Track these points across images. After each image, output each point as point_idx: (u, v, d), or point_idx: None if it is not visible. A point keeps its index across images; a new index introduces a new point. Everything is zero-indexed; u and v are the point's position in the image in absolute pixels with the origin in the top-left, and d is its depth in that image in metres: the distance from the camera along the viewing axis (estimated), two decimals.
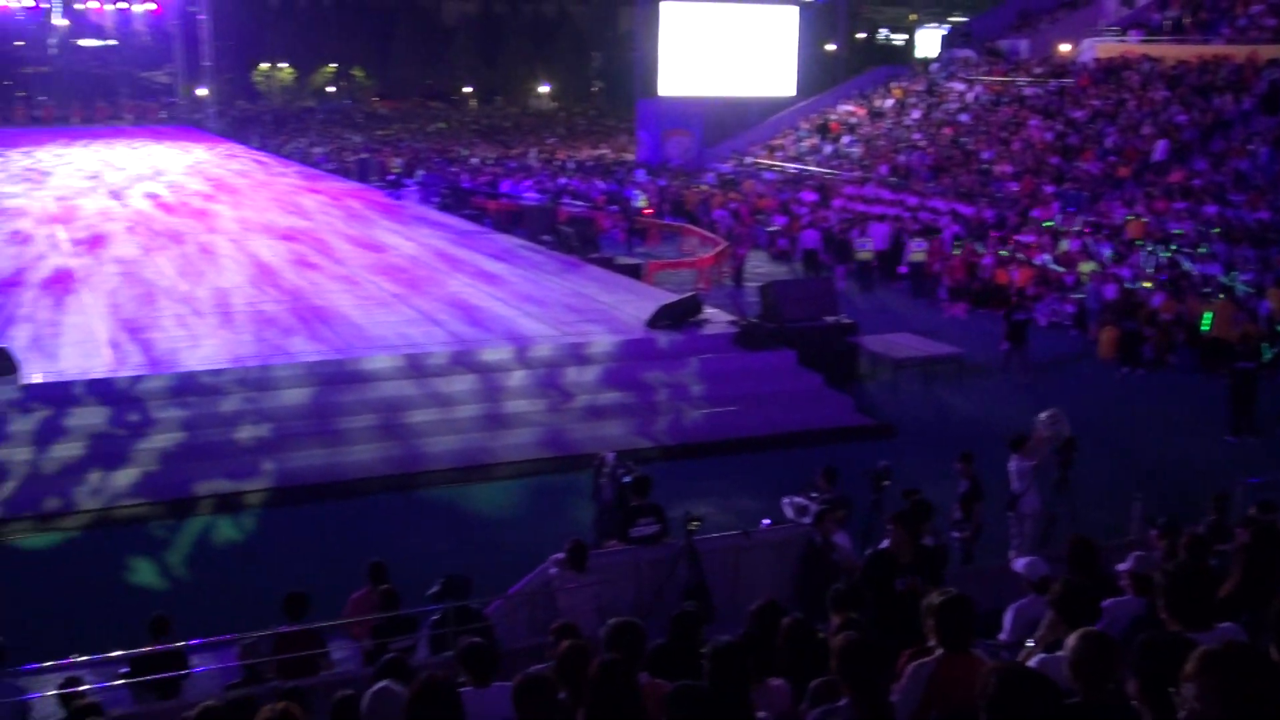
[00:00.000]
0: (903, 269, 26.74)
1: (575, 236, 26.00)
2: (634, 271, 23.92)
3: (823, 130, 44.59)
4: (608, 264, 23.93)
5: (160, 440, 14.07)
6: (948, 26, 61.71)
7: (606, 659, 4.40)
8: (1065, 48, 41.81)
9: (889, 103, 44.66)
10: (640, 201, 36.07)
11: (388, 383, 15.64)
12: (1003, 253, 25.75)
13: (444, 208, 32.53)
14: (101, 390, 14.59)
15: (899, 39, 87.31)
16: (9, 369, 14.60)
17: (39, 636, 9.37)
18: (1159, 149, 30.59)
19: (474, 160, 48.81)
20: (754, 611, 6.31)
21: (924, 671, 4.74)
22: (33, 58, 74.91)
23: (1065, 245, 25.88)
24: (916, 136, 39.62)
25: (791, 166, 42.39)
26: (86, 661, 8.44)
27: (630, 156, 51.13)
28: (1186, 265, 23.28)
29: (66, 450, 13.74)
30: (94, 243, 25.33)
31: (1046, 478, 11.51)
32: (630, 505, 10.37)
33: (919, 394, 18.32)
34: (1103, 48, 39.48)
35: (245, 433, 14.40)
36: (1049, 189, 30.62)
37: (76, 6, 62.36)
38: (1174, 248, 24.44)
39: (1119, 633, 4.99)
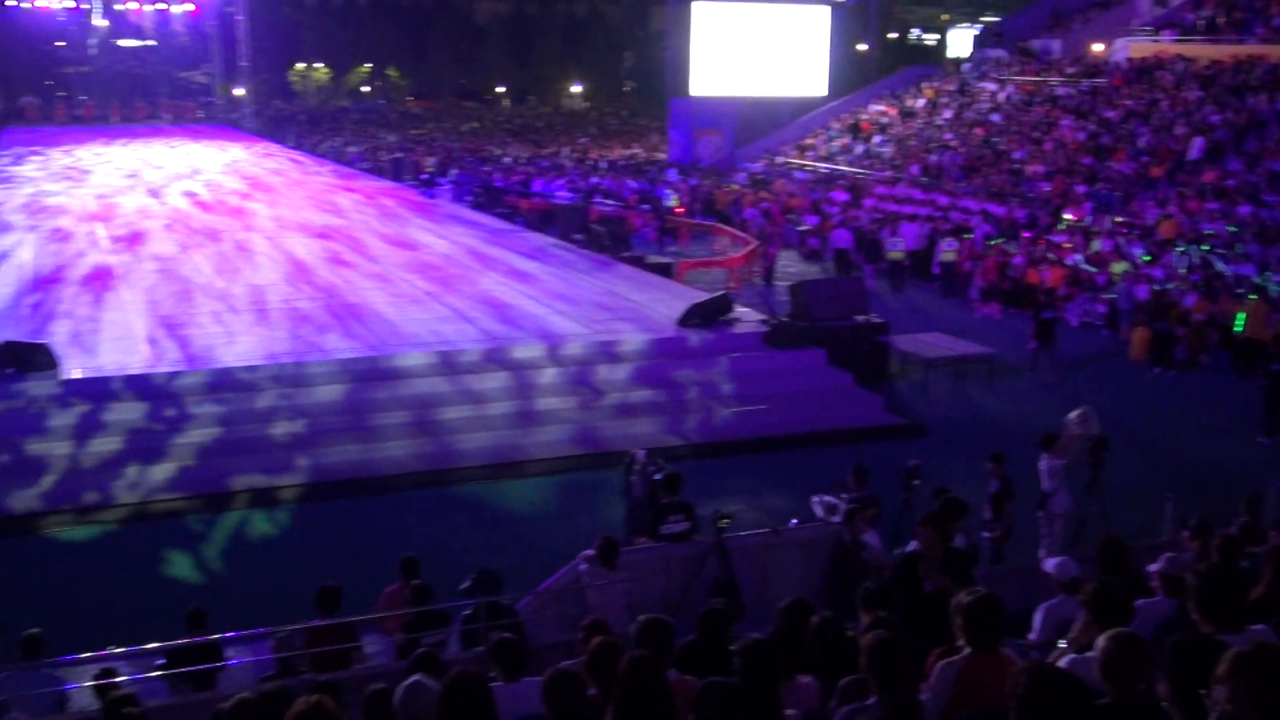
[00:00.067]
0: (935, 269, 26.62)
1: (607, 235, 26.07)
2: (665, 270, 23.94)
3: (854, 130, 44.43)
4: (639, 263, 23.96)
5: (197, 435, 14.22)
6: (980, 26, 61.23)
7: (636, 656, 4.41)
8: (1098, 47, 41.45)
9: (920, 102, 44.44)
10: (672, 201, 36.07)
11: (420, 380, 15.74)
12: (1034, 253, 25.58)
13: (477, 206, 32.66)
14: (139, 386, 14.77)
15: (931, 39, 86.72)
16: (49, 365, 14.82)
17: (77, 628, 9.51)
18: (1195, 147, 30.28)
19: (507, 159, 48.96)
20: (782, 609, 6.32)
21: (952, 670, 4.74)
22: (73, 58, 75.83)
23: (1097, 245, 25.67)
24: (948, 136, 39.41)
25: (823, 166, 42.27)
26: (123, 653, 8.55)
27: (662, 156, 51.11)
28: (1220, 265, 23.04)
29: (105, 445, 13.91)
30: (132, 240, 25.60)
31: (1077, 478, 11.44)
32: (660, 503, 10.41)
33: (950, 394, 18.24)
34: (1136, 47, 39.13)
35: (280, 428, 14.54)
36: (1081, 189, 30.39)
37: (116, 7, 63.03)
38: (1207, 248, 24.20)
39: (1149, 634, 4.97)
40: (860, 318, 18.70)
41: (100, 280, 20.95)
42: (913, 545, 8.04)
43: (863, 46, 59.28)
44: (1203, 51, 36.08)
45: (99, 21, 68.13)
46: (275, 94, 78.84)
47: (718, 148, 47.58)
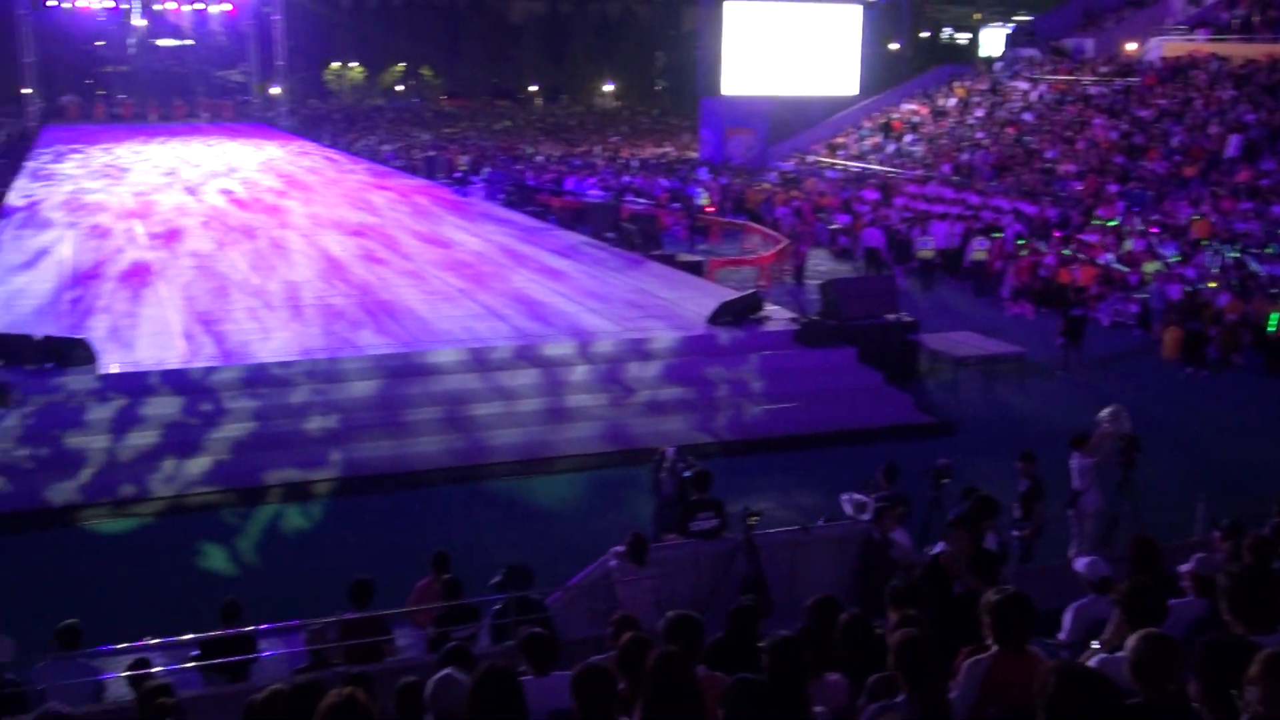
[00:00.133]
0: (966, 267, 26.52)
1: (638, 233, 26.08)
2: (696, 268, 23.93)
3: (885, 129, 44.24)
4: (670, 261, 23.97)
5: (232, 430, 14.37)
6: (1012, 25, 60.73)
7: (664, 652, 4.43)
8: (1131, 46, 41.11)
9: (952, 101, 44.21)
10: (703, 199, 36.07)
11: (452, 376, 15.84)
12: (1065, 252, 25.40)
13: (509, 204, 32.77)
14: (176, 380, 14.95)
15: (963, 38, 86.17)
16: (87, 359, 15.03)
17: (113, 619, 9.60)
18: (1232, 144, 29.94)
19: (539, 158, 49.07)
20: (810, 606, 6.33)
21: (980, 668, 4.74)
22: (112, 57, 76.78)
23: (1129, 245, 25.47)
24: (980, 135, 39.20)
25: (854, 165, 42.12)
26: (159, 644, 8.64)
27: (693, 155, 51.07)
28: (1253, 265, 22.81)
29: (142, 438, 14.09)
30: (170, 237, 25.88)
31: (1109, 477, 11.37)
32: (690, 500, 10.43)
33: (980, 392, 18.16)
34: (1169, 46, 38.77)
35: (314, 423, 14.67)
36: (1113, 188, 30.14)
37: (155, 7, 63.59)
38: (1240, 248, 23.94)
39: (1181, 634, 4.94)
40: (890, 316, 18.63)
41: (138, 276, 21.20)
42: (940, 547, 8.01)
43: (895, 45, 59.03)
44: (1237, 50, 35.70)
45: (138, 21, 68.81)
46: (311, 93, 79.40)
47: (749, 146, 47.49)
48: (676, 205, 35.15)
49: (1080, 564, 6.98)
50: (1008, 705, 4.61)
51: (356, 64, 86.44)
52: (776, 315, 18.54)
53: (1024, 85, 42.07)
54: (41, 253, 23.82)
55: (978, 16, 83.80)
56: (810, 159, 44.76)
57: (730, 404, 16.11)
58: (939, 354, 18.88)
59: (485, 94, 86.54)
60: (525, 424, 15.24)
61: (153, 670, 7.80)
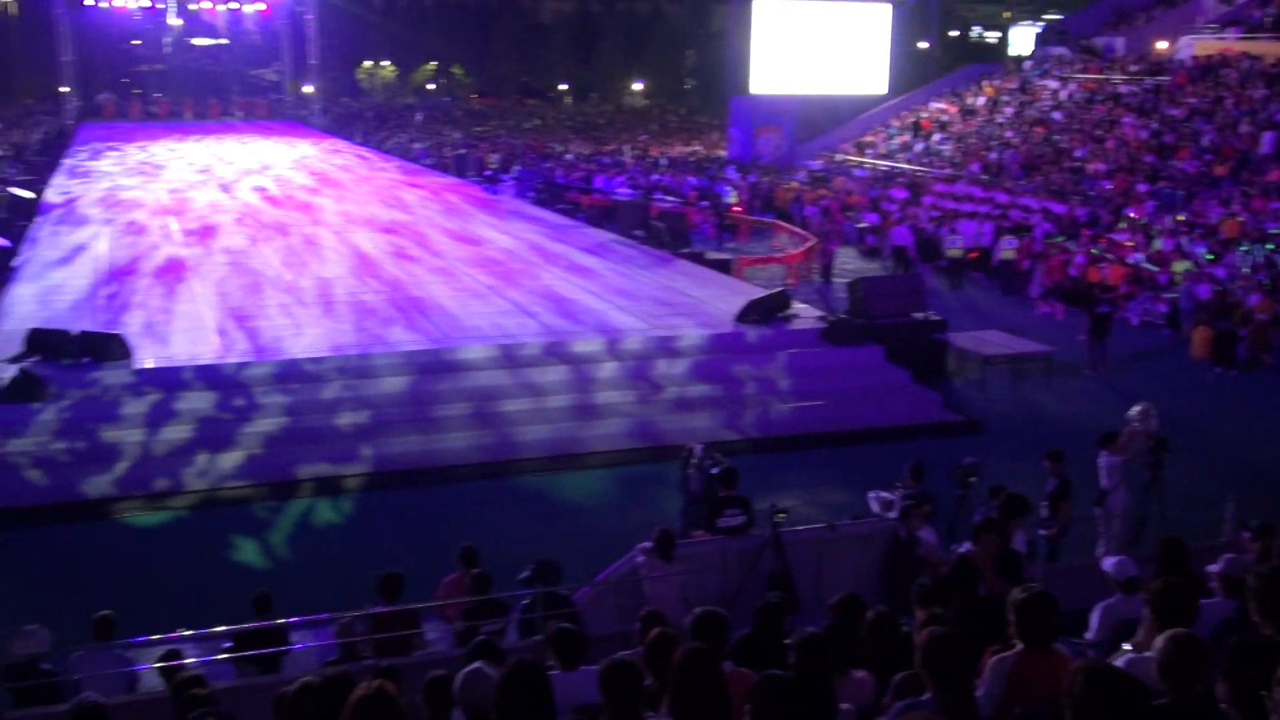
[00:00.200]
0: (995, 265, 26.42)
1: (667, 231, 26.10)
2: (724, 267, 23.93)
3: (914, 128, 44.04)
4: (698, 259, 23.98)
5: (264, 425, 14.52)
6: (1042, 24, 60.28)
7: (691, 647, 4.45)
8: (1162, 45, 40.75)
9: (981, 100, 43.97)
10: (731, 198, 36.04)
11: (482, 372, 15.93)
12: (1094, 251, 25.22)
13: (539, 202, 32.88)
14: (209, 376, 15.10)
15: (992, 37, 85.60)
16: (123, 354, 15.21)
17: (147, 610, 9.72)
18: (1266, 141, 29.62)
19: (569, 156, 49.16)
20: (834, 605, 6.34)
21: (1005, 666, 4.74)
22: (149, 56, 77.70)
23: (1159, 244, 25.26)
24: (1009, 134, 38.96)
25: (882, 164, 41.96)
26: (192, 635, 8.75)
27: (722, 153, 51.03)
28: None
29: (176, 433, 14.24)
30: (204, 234, 26.12)
31: (1137, 477, 11.30)
32: (717, 496, 10.46)
33: (1007, 391, 18.08)
34: (1200, 45, 38.41)
35: (345, 419, 14.79)
36: (1143, 187, 29.90)
37: (190, 7, 64.22)
38: (1271, 247, 23.70)
39: (1209, 635, 4.92)
40: (918, 315, 18.59)
41: (173, 272, 21.41)
42: (966, 547, 7.99)
43: (923, 44, 58.69)
44: (1269, 49, 35.31)
45: (174, 21, 69.55)
46: (343, 91, 79.91)
47: (777, 145, 47.39)
48: (705, 203, 35.15)
49: (1108, 563, 6.96)
50: (1033, 703, 4.61)
51: (388, 63, 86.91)
52: (804, 313, 18.53)
53: (1054, 84, 41.78)
54: (78, 249, 24.12)
55: (1007, 15, 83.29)
56: (839, 158, 44.64)
57: (758, 401, 16.11)
58: (966, 352, 18.81)
59: (515, 93, 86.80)
60: (554, 420, 15.30)
61: (185, 661, 7.90)
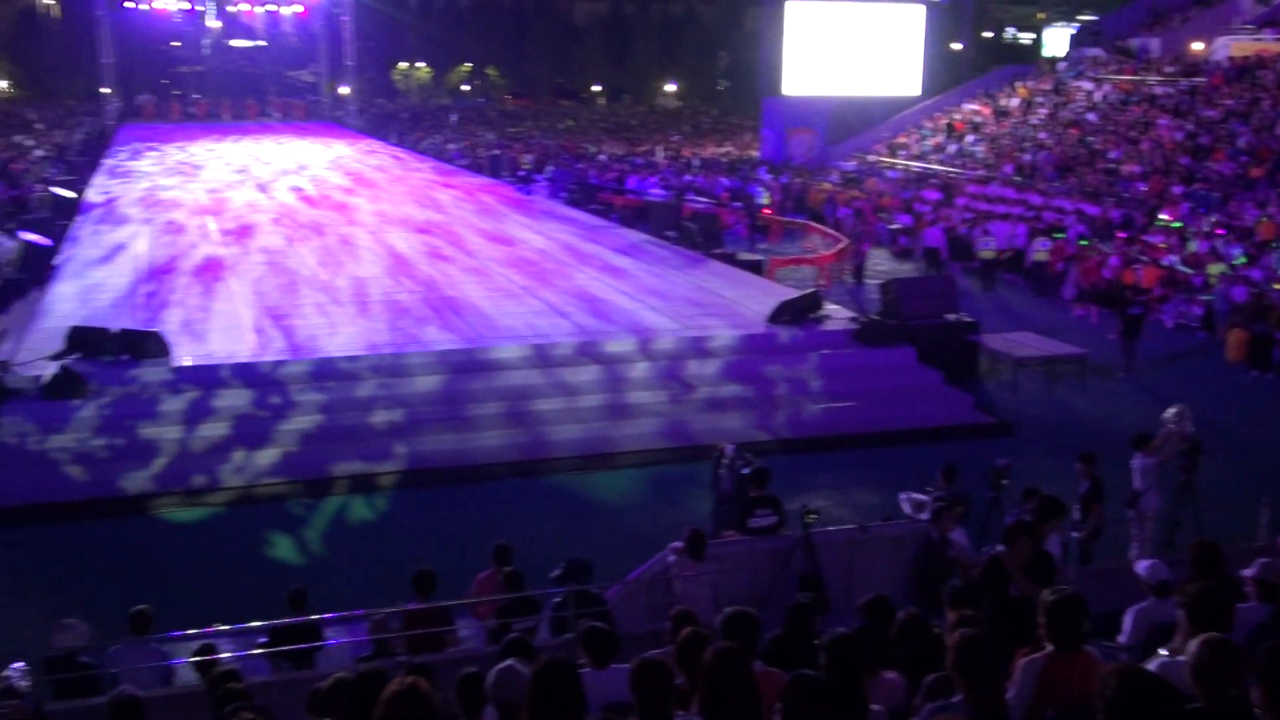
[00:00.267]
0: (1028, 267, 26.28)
1: (699, 232, 26.10)
2: (756, 267, 23.92)
3: (947, 129, 43.79)
4: (730, 260, 23.97)
5: (300, 422, 14.65)
6: (1077, 25, 59.67)
7: (722, 647, 4.47)
8: (1198, 46, 40.28)
9: (1014, 102, 43.68)
10: (763, 199, 35.97)
11: (515, 372, 16.01)
12: (1129, 253, 24.99)
13: (572, 203, 32.95)
14: (246, 374, 15.26)
15: (1026, 38, 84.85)
16: (161, 352, 15.39)
17: (184, 605, 9.87)
18: None
19: (602, 157, 49.23)
20: (862, 606, 6.34)
21: (1035, 667, 4.74)
22: (188, 58, 78.51)
23: (1193, 246, 25.00)
24: (1042, 136, 38.67)
25: (915, 165, 41.76)
26: (228, 630, 8.86)
27: (754, 154, 50.94)
28: None
29: (213, 430, 14.40)
30: (241, 233, 26.37)
31: (1171, 480, 11.20)
32: (748, 496, 10.46)
33: (1040, 393, 17.98)
34: (1236, 46, 37.97)
35: (380, 417, 14.89)
36: (1178, 189, 29.59)
37: (229, 9, 64.90)
38: None
39: (1243, 639, 4.89)
40: (950, 316, 18.51)
41: (210, 271, 21.63)
42: (999, 547, 7.96)
43: (957, 45, 58.31)
44: None
45: (212, 23, 70.28)
46: (379, 92, 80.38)
47: (810, 146, 47.26)
48: (737, 204, 35.12)
49: (1141, 567, 6.92)
50: (1063, 705, 4.60)
51: (423, 64, 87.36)
52: (836, 314, 18.49)
53: (1088, 85, 41.43)
54: (118, 248, 24.42)
55: (1041, 16, 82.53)
56: (871, 159, 44.46)
57: (789, 402, 16.09)
58: (999, 354, 18.72)
59: (549, 94, 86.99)
60: (586, 420, 15.35)
61: (220, 656, 7.99)
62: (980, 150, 40.39)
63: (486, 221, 28.54)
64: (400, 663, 6.69)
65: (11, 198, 32.73)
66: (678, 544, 9.25)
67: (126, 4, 58.43)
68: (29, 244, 22.72)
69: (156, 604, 8.60)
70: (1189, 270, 23.62)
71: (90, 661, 8.09)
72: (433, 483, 13.92)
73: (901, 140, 45.63)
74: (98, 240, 25.45)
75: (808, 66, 47.70)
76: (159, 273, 21.58)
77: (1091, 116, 38.35)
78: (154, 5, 59.68)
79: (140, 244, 24.84)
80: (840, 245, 27.61)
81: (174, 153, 46.92)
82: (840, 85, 47.88)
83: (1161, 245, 25.55)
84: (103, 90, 59.94)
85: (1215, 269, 23.16)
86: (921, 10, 49.17)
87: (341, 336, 16.82)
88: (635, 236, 26.57)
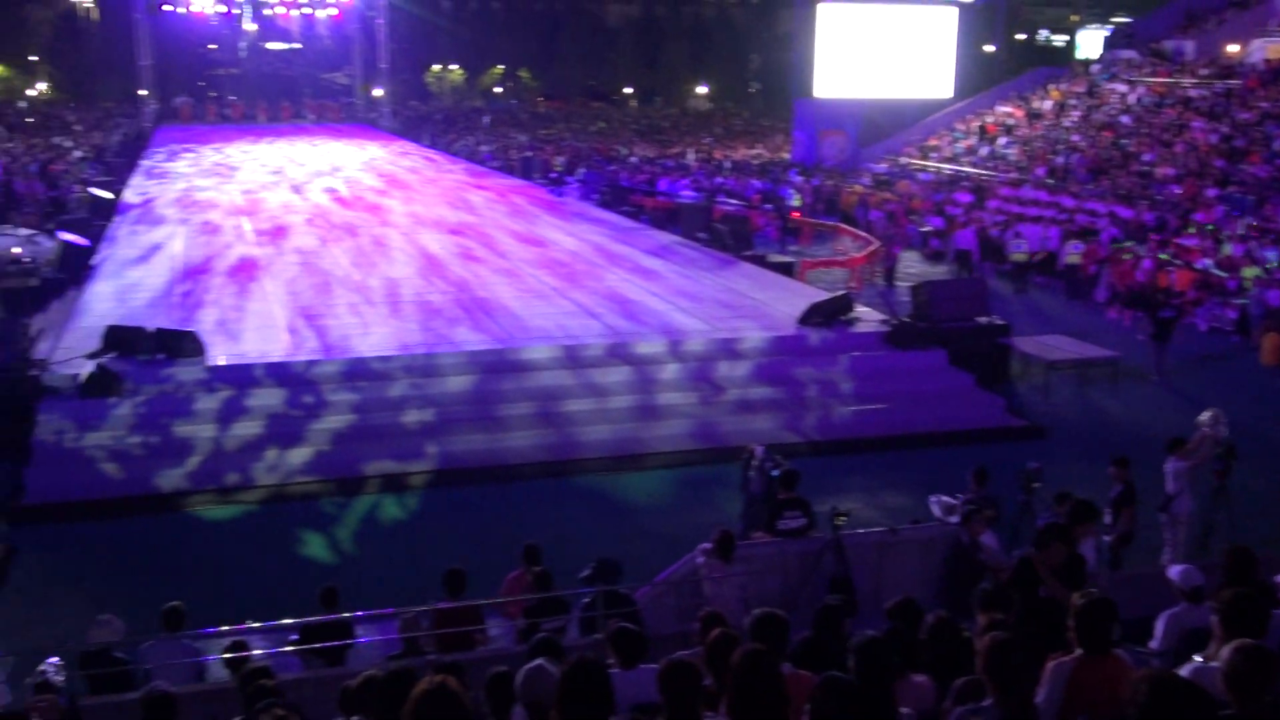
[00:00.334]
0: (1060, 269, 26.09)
1: (730, 234, 26.07)
2: (787, 269, 23.87)
3: (980, 131, 43.51)
4: (761, 261, 23.94)
5: (332, 422, 14.76)
6: (1110, 27, 59.10)
7: (751, 649, 4.47)
8: (1233, 48, 39.80)
9: (1047, 104, 43.33)
10: (794, 201, 35.89)
11: (546, 372, 16.06)
12: (1162, 256, 24.75)
13: (603, 204, 32.99)
14: (279, 373, 15.40)
15: (1059, 40, 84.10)
16: (196, 351, 15.56)
17: (216, 602, 9.95)
18: None
19: (633, 159, 49.25)
20: (890, 609, 6.32)
21: (1064, 671, 4.72)
22: (224, 60, 79.30)
23: (1228, 249, 24.71)
24: (1075, 138, 38.34)
25: (947, 167, 41.52)
26: (260, 628, 8.93)
27: (785, 156, 50.79)
28: None
29: (246, 429, 14.54)
30: (276, 234, 26.58)
31: (1204, 485, 11.09)
32: (778, 498, 10.46)
33: (1072, 396, 17.86)
34: (1273, 48, 37.56)
35: (411, 417, 14.99)
36: (1212, 192, 29.26)
37: (265, 12, 65.38)
38: None
39: (1277, 645, 4.84)
40: (982, 319, 18.40)
41: (245, 272, 21.83)
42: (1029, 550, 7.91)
43: (990, 48, 57.89)
44: None
45: (248, 26, 70.83)
46: (412, 94, 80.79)
47: (841, 148, 47.07)
48: (768, 206, 35.05)
49: (1174, 572, 6.86)
50: (1092, 709, 4.57)
51: (456, 66, 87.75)
52: (867, 317, 18.44)
53: (1122, 88, 41.04)
54: (154, 248, 24.67)
55: (1075, 18, 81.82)
56: (903, 161, 44.25)
57: (819, 404, 16.06)
58: (1030, 357, 18.61)
59: (581, 96, 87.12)
60: (616, 420, 15.38)
61: (251, 653, 8.06)
62: (1013, 153, 40.13)
63: (518, 223, 28.63)
64: (430, 661, 6.70)
65: (50, 198, 33.15)
66: (707, 545, 9.24)
67: (164, 7, 59.03)
68: (67, 244, 23.03)
69: (189, 601, 8.68)
70: (1223, 274, 23.38)
71: (123, 657, 8.18)
72: (463, 482, 13.97)
73: (933, 142, 45.38)
74: (135, 240, 25.72)
75: (839, 68, 47.49)
76: (194, 273, 21.79)
77: (1125, 119, 38.02)
78: (191, 8, 60.23)
79: (176, 244, 25.09)
80: (871, 247, 27.49)
81: (210, 154, 47.32)
82: (872, 87, 47.63)
83: (1195, 248, 25.30)
84: (140, 92, 60.60)
85: (1250, 272, 22.93)
86: (954, 12, 48.82)
87: (374, 337, 16.93)
88: (666, 238, 26.59)
